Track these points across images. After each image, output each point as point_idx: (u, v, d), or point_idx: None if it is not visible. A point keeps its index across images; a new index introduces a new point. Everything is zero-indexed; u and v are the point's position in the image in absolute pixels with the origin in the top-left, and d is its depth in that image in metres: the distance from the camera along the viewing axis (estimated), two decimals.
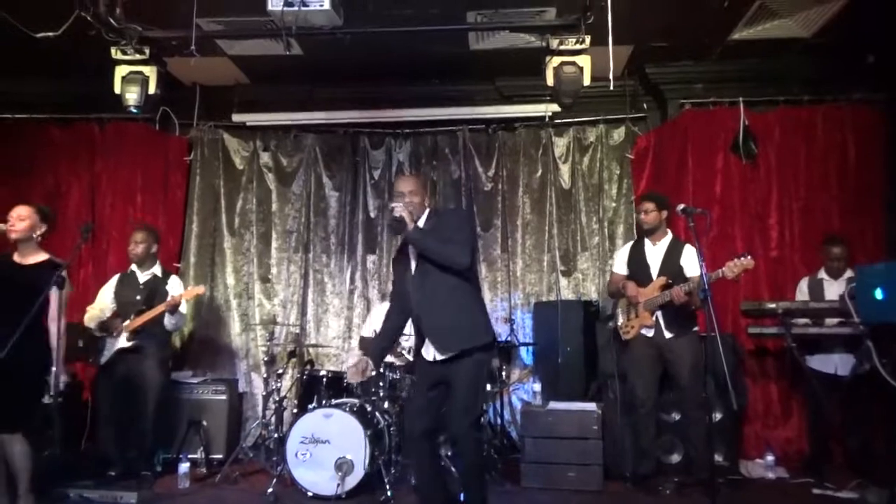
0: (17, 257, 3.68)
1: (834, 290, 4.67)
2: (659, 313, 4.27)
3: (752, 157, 5.37)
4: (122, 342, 4.47)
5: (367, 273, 6.03)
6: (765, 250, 5.33)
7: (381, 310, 5.41)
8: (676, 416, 4.54)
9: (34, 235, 3.68)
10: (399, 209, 3.20)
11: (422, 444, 3.29)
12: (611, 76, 3.94)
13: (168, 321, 4.55)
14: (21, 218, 3.64)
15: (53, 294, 3.50)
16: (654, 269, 4.36)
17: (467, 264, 3.20)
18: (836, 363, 4.53)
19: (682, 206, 3.54)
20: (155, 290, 4.64)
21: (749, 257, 3.91)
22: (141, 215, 5.68)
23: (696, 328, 4.29)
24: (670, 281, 4.22)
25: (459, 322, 3.22)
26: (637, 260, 4.47)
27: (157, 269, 4.74)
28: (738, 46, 5.21)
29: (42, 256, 3.71)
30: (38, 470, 3.55)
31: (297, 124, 6.08)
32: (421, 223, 3.32)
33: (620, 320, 4.49)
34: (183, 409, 5.03)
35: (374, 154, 6.13)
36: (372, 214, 6.08)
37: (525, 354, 5.78)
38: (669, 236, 4.44)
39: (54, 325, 3.57)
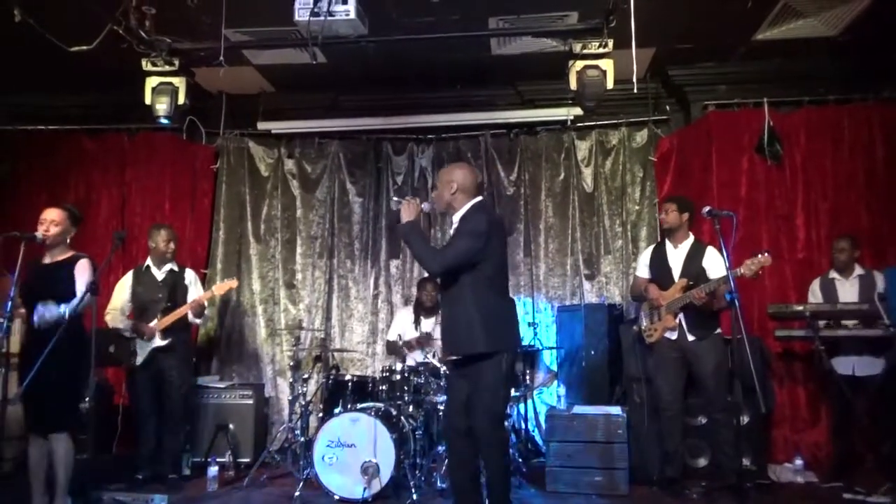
0: (46, 258, 3.76)
1: (846, 288, 4.67)
2: (682, 316, 4.25)
3: (778, 158, 5.32)
4: (157, 341, 4.56)
5: (391, 278, 6.08)
6: (791, 252, 5.28)
7: (404, 314, 5.46)
8: (703, 420, 4.51)
9: (67, 238, 3.77)
10: (401, 204, 3.33)
11: (463, 442, 3.32)
12: (634, 79, 3.94)
13: (195, 318, 4.71)
14: (55, 222, 3.70)
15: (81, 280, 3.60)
16: (676, 272, 4.35)
17: (434, 271, 3.22)
18: (853, 364, 4.50)
19: (707, 209, 3.53)
20: (175, 286, 4.73)
21: (766, 254, 3.88)
22: (169, 223, 5.77)
23: (718, 330, 4.27)
24: (692, 283, 4.21)
25: (457, 326, 3.26)
26: (659, 263, 4.47)
27: (173, 265, 4.82)
28: (761, 47, 5.18)
29: (68, 254, 3.78)
30: (72, 472, 3.64)
31: (320, 131, 6.15)
32: (457, 217, 3.35)
33: (644, 323, 4.48)
34: (210, 414, 5.12)
35: (396, 160, 6.18)
36: (389, 224, 6.11)
37: (549, 358, 5.77)
38: (691, 239, 4.42)
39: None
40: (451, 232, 3.43)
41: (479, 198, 3.43)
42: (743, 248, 5.00)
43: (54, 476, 3.62)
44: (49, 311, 3.44)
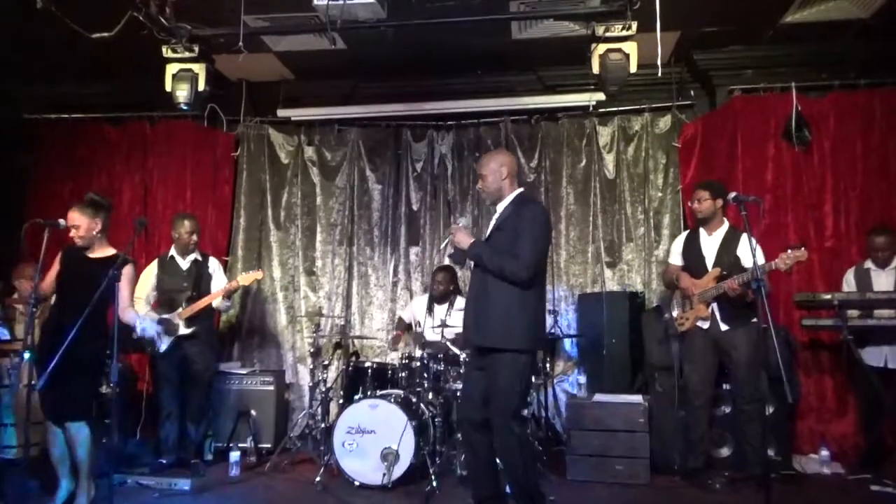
0: (88, 251, 3.79)
1: (882, 279, 4.57)
2: (715, 305, 4.17)
3: (806, 145, 5.20)
4: (182, 329, 4.60)
5: (411, 265, 6.07)
6: (819, 240, 5.17)
7: (421, 301, 5.46)
8: (726, 410, 4.45)
9: (94, 233, 3.77)
10: (450, 239, 3.33)
11: (476, 434, 3.31)
12: (659, 63, 3.86)
13: (221, 303, 4.76)
14: (75, 225, 3.70)
15: (124, 286, 3.65)
16: (710, 260, 4.25)
17: (524, 280, 3.15)
18: (886, 355, 4.42)
19: (733, 195, 3.45)
20: (200, 276, 4.77)
21: (803, 249, 3.80)
22: (191, 210, 5.81)
23: (754, 320, 4.16)
24: (725, 272, 4.12)
25: (492, 319, 3.21)
26: (692, 251, 4.37)
27: (196, 254, 4.85)
28: (790, 29, 5.04)
29: (110, 251, 3.81)
30: (97, 457, 3.69)
31: (340, 118, 6.13)
32: (501, 207, 3.35)
33: (676, 312, 4.41)
34: (232, 400, 5.16)
35: (416, 147, 6.15)
36: (414, 207, 6.11)
37: (569, 346, 5.74)
38: (726, 226, 4.32)
39: (125, 315, 3.75)
40: (495, 222, 3.37)
41: (522, 188, 3.44)
42: (769, 235, 4.93)
43: (77, 462, 3.67)
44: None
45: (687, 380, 4.30)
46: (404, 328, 5.63)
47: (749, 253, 4.08)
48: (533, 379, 4.80)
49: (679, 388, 4.40)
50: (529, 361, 3.23)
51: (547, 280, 5.73)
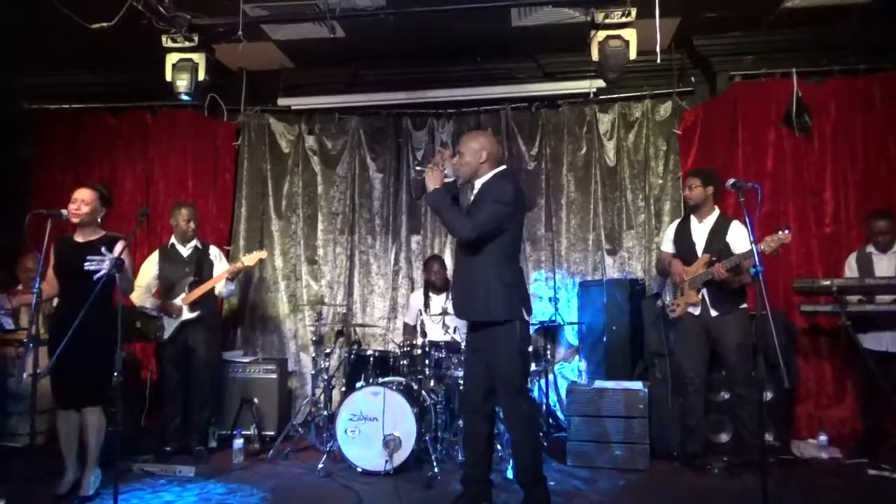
0: (77, 237, 3.82)
1: (884, 264, 4.57)
2: (705, 291, 4.21)
3: (807, 130, 5.20)
4: (186, 314, 4.64)
5: (412, 254, 6.09)
6: (818, 226, 5.19)
7: (418, 296, 5.48)
8: (725, 395, 4.49)
9: (96, 216, 3.83)
10: (424, 173, 3.40)
11: (481, 422, 3.39)
12: (658, 49, 3.86)
13: (225, 289, 4.77)
14: (85, 202, 3.75)
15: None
16: (700, 247, 4.30)
17: (466, 237, 3.24)
18: (888, 341, 4.43)
19: (732, 181, 3.46)
20: (201, 262, 4.80)
21: (787, 231, 3.82)
22: (192, 200, 5.83)
23: (743, 305, 4.22)
24: (714, 258, 4.15)
25: (471, 293, 3.30)
26: (683, 238, 4.42)
27: (197, 242, 4.87)
28: (790, 14, 5.01)
29: (99, 233, 3.84)
30: (103, 444, 3.75)
31: (340, 107, 6.12)
32: (479, 183, 3.39)
33: (668, 299, 4.46)
34: (235, 387, 5.21)
35: (416, 135, 6.15)
36: (415, 195, 6.11)
37: (570, 334, 5.77)
38: (716, 213, 4.36)
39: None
40: (472, 198, 3.44)
41: (504, 166, 3.47)
42: (769, 222, 4.94)
43: (85, 448, 3.72)
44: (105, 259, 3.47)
45: (679, 366, 4.35)
46: (411, 332, 5.60)
47: (739, 239, 4.14)
48: (532, 365, 4.89)
49: (673, 374, 4.43)
50: (522, 330, 3.27)
51: (548, 267, 5.84)
